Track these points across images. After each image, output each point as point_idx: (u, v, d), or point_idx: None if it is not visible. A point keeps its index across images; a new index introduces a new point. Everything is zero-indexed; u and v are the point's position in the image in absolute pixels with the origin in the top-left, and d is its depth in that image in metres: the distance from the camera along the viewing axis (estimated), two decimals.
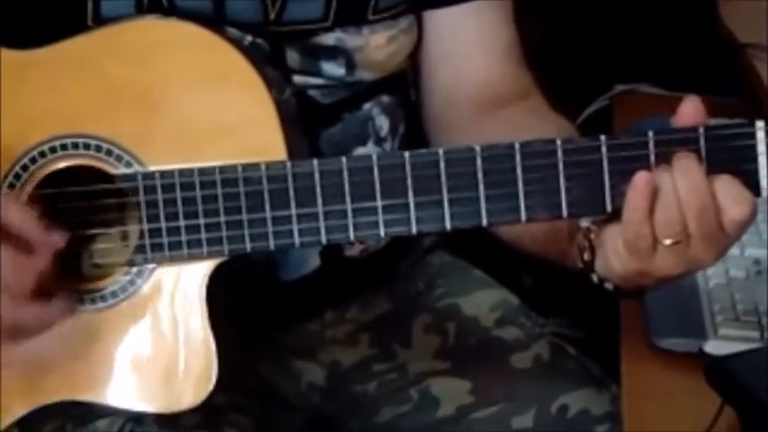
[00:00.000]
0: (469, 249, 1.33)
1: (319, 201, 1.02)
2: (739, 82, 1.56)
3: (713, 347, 1.16)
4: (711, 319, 1.20)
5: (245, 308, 1.17)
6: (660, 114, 1.05)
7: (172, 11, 1.13)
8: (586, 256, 1.04)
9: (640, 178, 0.97)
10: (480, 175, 1.00)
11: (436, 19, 1.25)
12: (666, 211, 0.98)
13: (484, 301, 1.30)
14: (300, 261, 1.21)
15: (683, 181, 0.97)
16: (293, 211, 1.03)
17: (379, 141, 1.24)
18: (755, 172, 0.98)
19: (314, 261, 1.22)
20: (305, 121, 1.13)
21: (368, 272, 1.27)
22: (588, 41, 1.85)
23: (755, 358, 1.09)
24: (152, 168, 1.05)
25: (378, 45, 1.21)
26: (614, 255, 1.01)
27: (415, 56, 1.27)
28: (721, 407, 1.05)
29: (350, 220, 1.02)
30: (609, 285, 1.06)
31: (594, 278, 1.05)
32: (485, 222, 1.00)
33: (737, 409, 1.05)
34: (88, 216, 1.11)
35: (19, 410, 1.10)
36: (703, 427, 1.05)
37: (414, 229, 1.01)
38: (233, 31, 1.13)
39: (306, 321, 1.27)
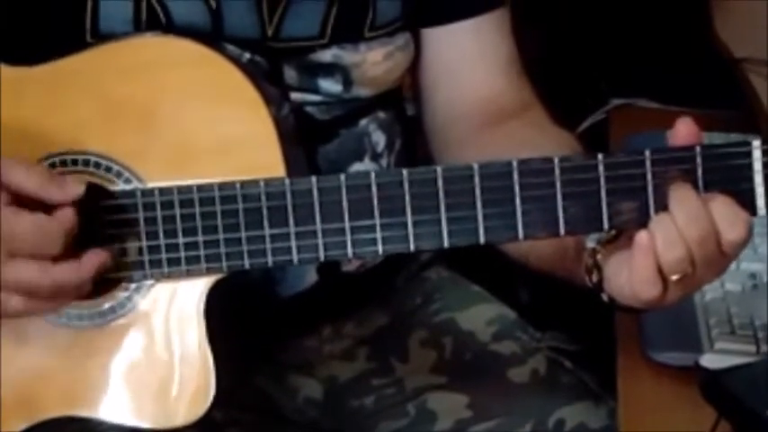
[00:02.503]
0: (466, 264, 1.33)
1: (318, 218, 1.02)
2: (735, 96, 1.56)
3: (709, 361, 1.16)
4: (707, 333, 1.20)
5: (242, 323, 1.17)
6: (656, 130, 1.05)
7: (170, 27, 1.13)
8: (594, 277, 1.04)
9: (641, 237, 0.98)
10: (478, 193, 1.00)
11: (435, 36, 1.25)
12: (672, 251, 0.98)
13: (481, 315, 1.30)
14: (298, 277, 1.21)
15: (680, 212, 0.98)
16: (292, 229, 1.03)
17: (376, 157, 1.24)
18: (752, 191, 0.98)
19: (311, 277, 1.22)
20: (302, 138, 1.13)
21: (365, 287, 1.27)
22: (584, 56, 1.85)
23: (751, 372, 1.09)
24: (151, 185, 1.05)
25: (374, 62, 1.21)
26: (622, 297, 1.02)
27: (415, 73, 1.27)
28: (717, 421, 1.05)
29: (348, 238, 1.02)
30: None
31: (605, 297, 1.05)
32: (482, 240, 1.01)
33: (734, 423, 1.05)
34: (87, 232, 1.11)
35: (17, 426, 1.10)
36: None
37: (412, 247, 1.01)
38: (231, 48, 1.14)
39: (303, 336, 1.28)
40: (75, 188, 1.02)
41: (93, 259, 1.03)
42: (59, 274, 1.02)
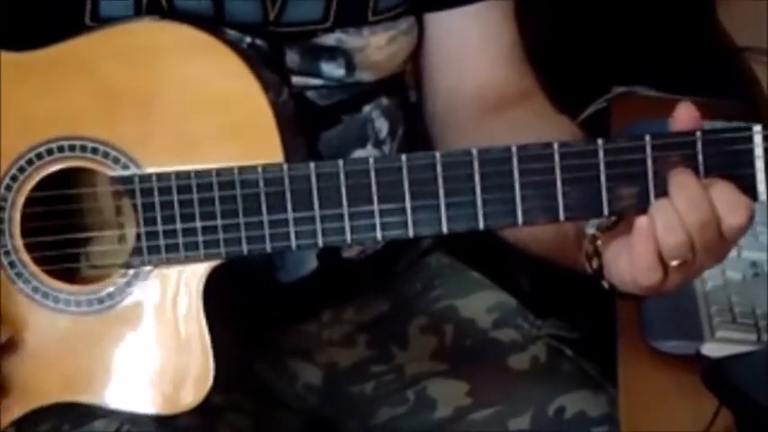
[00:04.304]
0: (467, 251, 1.33)
1: (316, 204, 1.02)
2: (737, 85, 1.56)
3: (710, 350, 1.16)
4: (708, 322, 1.20)
5: (242, 309, 1.17)
6: (657, 118, 1.05)
7: (171, 11, 1.13)
8: (595, 263, 1.04)
9: (641, 222, 0.98)
10: (477, 179, 0.99)
11: (438, 21, 1.25)
12: (672, 236, 0.97)
13: (481, 302, 1.30)
14: (298, 262, 1.21)
15: (680, 197, 0.97)
16: (290, 215, 1.02)
17: (378, 144, 1.24)
18: (753, 176, 0.98)
19: (311, 262, 1.22)
20: (303, 124, 1.13)
21: (365, 273, 1.27)
22: (586, 43, 1.85)
23: (752, 361, 1.09)
24: (149, 171, 1.05)
25: (378, 46, 1.21)
26: (622, 283, 1.02)
27: (417, 59, 1.27)
28: (718, 409, 1.05)
29: (347, 224, 1.02)
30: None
31: (605, 284, 1.05)
32: (481, 226, 1.00)
33: (734, 412, 1.05)
34: (85, 218, 1.11)
35: (17, 411, 1.10)
36: (700, 429, 1.06)
37: (411, 233, 1.01)
38: (231, 33, 1.13)
39: (303, 322, 1.28)
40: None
41: None
42: None
